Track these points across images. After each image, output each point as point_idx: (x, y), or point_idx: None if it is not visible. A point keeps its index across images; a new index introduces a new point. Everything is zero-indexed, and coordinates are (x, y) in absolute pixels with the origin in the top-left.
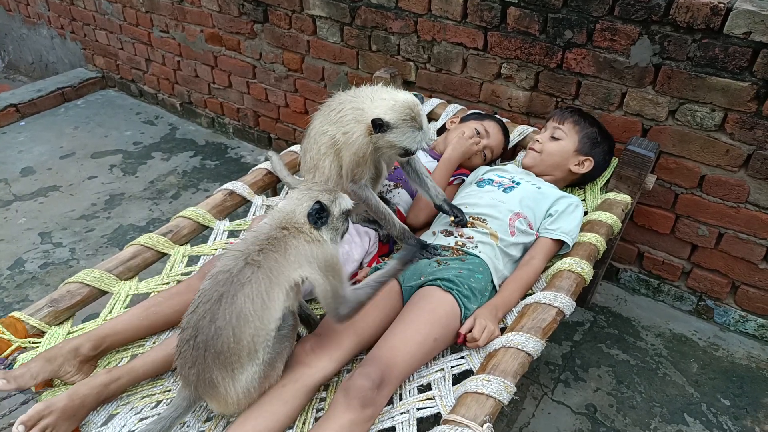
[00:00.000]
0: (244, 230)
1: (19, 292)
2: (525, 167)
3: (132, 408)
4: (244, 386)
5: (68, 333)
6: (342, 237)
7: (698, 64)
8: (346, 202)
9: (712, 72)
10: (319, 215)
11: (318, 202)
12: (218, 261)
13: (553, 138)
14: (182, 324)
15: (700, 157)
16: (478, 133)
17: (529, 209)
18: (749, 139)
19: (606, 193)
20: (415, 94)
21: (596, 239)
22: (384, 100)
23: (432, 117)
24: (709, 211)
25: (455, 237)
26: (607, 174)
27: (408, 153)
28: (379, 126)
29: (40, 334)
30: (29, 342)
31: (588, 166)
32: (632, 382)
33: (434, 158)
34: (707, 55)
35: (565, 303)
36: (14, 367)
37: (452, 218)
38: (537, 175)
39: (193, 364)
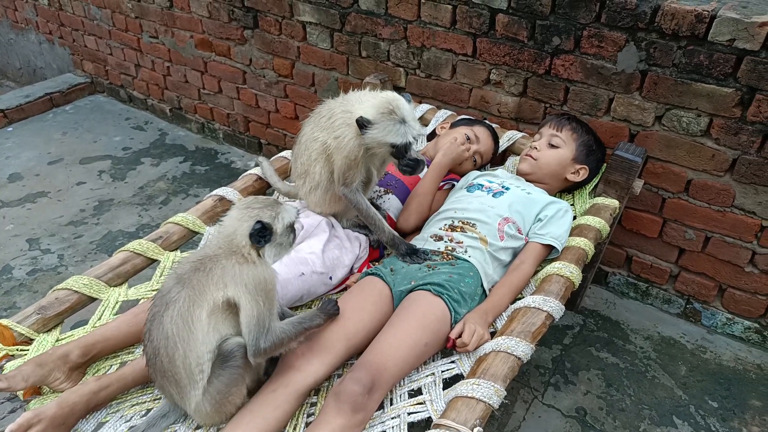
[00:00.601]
0: None
1: (6, 299)
2: (521, 174)
3: (122, 416)
4: (194, 407)
5: (57, 340)
6: (291, 245)
7: (684, 71)
8: (289, 215)
9: (698, 78)
10: (261, 234)
11: (259, 221)
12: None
13: (551, 145)
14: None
15: (687, 161)
16: (468, 139)
17: (519, 214)
18: (734, 144)
19: (594, 197)
20: (402, 95)
21: (585, 243)
22: (368, 100)
23: (422, 122)
24: (695, 215)
25: (445, 242)
26: (595, 179)
27: (398, 149)
28: (361, 125)
29: (29, 341)
30: (17, 350)
31: (583, 174)
32: (621, 385)
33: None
34: (692, 61)
35: (555, 307)
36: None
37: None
38: (531, 183)
39: (155, 380)
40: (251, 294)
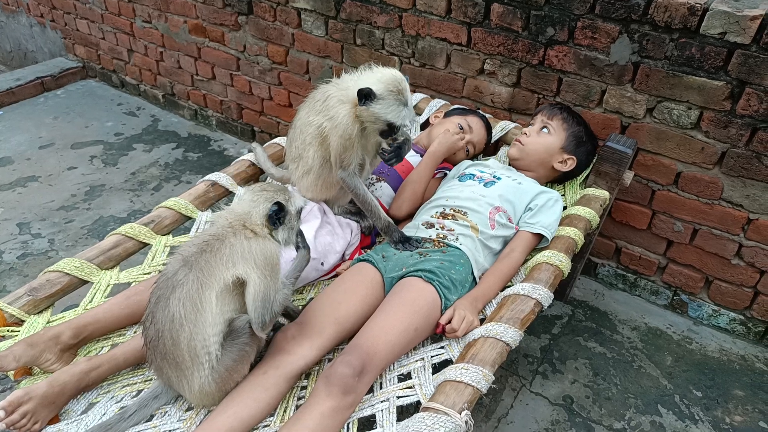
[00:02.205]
0: None
1: None
2: (510, 158)
3: (113, 396)
4: (198, 387)
5: (48, 322)
6: (296, 235)
7: (675, 63)
8: (299, 202)
9: (689, 71)
10: (278, 215)
11: (277, 202)
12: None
13: (541, 132)
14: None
15: (677, 154)
16: (462, 129)
17: (509, 203)
18: (723, 137)
19: (585, 188)
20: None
21: (574, 233)
22: (371, 75)
23: (416, 111)
24: (684, 207)
25: (437, 229)
26: (586, 171)
27: (391, 129)
28: (365, 96)
29: (19, 322)
30: (8, 330)
31: (571, 164)
32: (608, 374)
33: (417, 152)
34: (684, 54)
35: (543, 294)
36: None
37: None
38: (520, 170)
39: (152, 362)
40: (260, 269)
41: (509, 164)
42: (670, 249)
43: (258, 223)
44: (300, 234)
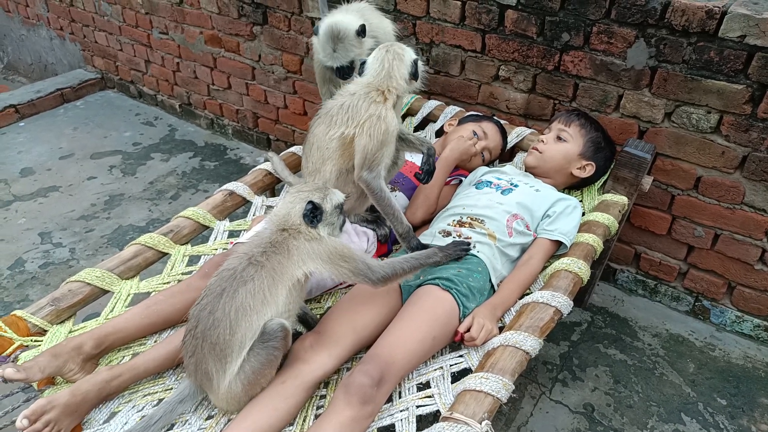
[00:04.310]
0: (244, 230)
1: (19, 292)
2: (527, 167)
3: (134, 406)
4: (229, 384)
5: (70, 332)
6: (341, 229)
7: (694, 67)
8: (337, 197)
9: (708, 75)
10: (313, 214)
11: (310, 202)
12: (225, 261)
13: (558, 139)
14: (188, 315)
15: (696, 158)
16: (476, 135)
17: (527, 210)
18: (744, 141)
19: (603, 194)
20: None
21: (593, 240)
22: (383, 63)
23: (430, 119)
24: (705, 212)
25: (453, 237)
26: (604, 176)
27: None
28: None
29: (42, 332)
30: (31, 340)
31: (589, 171)
32: (629, 382)
33: None
34: (702, 58)
35: (563, 302)
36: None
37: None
38: (537, 177)
39: (192, 354)
40: (330, 263)
41: (535, 177)
42: (690, 254)
43: (298, 224)
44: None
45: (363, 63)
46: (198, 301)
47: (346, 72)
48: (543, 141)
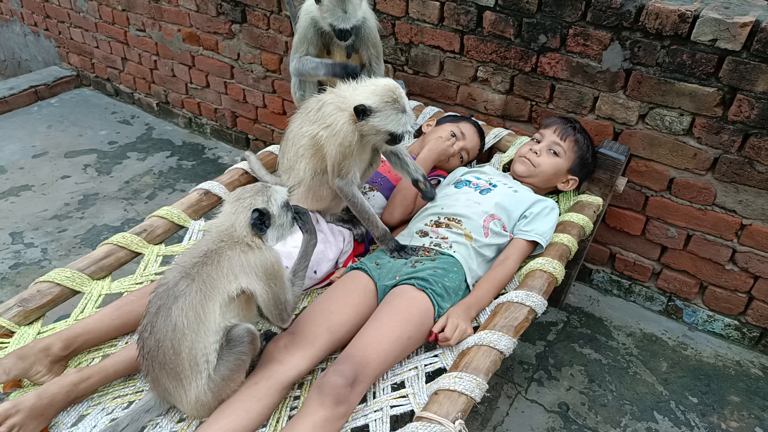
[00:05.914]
0: None
1: None
2: (516, 175)
3: (103, 408)
4: (194, 397)
5: (38, 333)
6: (291, 227)
7: (667, 70)
8: (281, 195)
9: (680, 78)
10: (261, 221)
11: (255, 209)
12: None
13: (551, 152)
14: (137, 332)
15: (669, 160)
16: (454, 135)
17: (504, 211)
18: (715, 143)
19: (578, 195)
20: (397, 81)
21: (568, 240)
22: (365, 87)
23: None
24: (677, 213)
25: (430, 237)
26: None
27: (394, 138)
28: (361, 112)
29: (9, 333)
30: None
31: (572, 185)
32: (604, 381)
33: None
34: (675, 61)
35: (537, 302)
36: None
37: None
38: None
39: (147, 373)
40: (263, 281)
41: (514, 179)
42: (664, 255)
43: (245, 234)
44: (299, 218)
45: (363, 67)
46: (141, 320)
47: (349, 34)
48: (536, 152)
